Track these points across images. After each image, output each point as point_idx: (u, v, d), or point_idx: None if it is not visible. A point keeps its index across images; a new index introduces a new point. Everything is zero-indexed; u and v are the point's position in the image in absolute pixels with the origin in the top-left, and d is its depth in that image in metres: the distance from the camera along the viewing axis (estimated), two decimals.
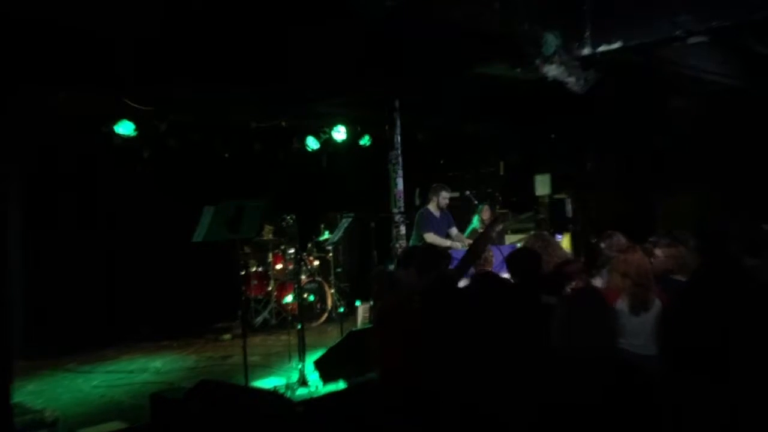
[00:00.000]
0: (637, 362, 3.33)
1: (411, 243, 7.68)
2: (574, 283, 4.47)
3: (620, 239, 4.95)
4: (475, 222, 8.16)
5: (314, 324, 8.34)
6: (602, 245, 4.98)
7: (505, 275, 4.46)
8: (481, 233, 7.00)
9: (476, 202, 8.36)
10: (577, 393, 2.48)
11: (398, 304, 3.95)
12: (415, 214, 7.73)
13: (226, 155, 8.64)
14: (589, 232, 8.70)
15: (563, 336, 2.66)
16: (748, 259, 3.97)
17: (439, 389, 3.29)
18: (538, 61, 5.82)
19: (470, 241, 7.63)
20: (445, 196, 7.57)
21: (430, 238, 7.44)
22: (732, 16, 5.16)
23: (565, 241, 7.71)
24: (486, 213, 8.13)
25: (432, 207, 7.59)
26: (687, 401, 2.51)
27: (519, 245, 6.83)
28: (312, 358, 5.72)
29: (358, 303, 7.85)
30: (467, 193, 8.44)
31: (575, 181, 10.24)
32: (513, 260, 4.40)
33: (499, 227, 7.81)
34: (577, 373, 2.52)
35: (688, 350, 2.75)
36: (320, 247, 9.12)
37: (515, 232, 8.89)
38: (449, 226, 7.68)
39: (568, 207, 10.20)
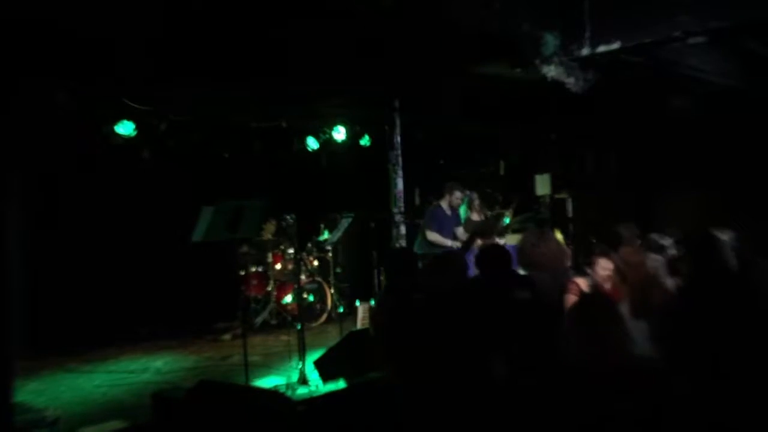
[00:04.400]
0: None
1: (418, 238, 7.72)
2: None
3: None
4: (463, 212, 8.16)
5: (314, 324, 8.35)
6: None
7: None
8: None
9: (476, 202, 8.36)
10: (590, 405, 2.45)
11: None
12: (413, 214, 7.75)
13: (226, 155, 8.64)
14: (589, 232, 8.72)
15: (573, 346, 2.62)
16: (760, 260, 3.98)
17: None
18: (537, 62, 5.84)
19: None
20: (458, 196, 7.62)
21: (432, 236, 7.46)
22: (732, 16, 5.17)
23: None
24: (475, 201, 8.14)
25: (444, 204, 7.62)
26: (684, 405, 2.51)
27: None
28: (312, 357, 5.73)
29: (357, 303, 7.86)
30: (467, 192, 8.45)
31: (575, 181, 10.26)
32: (481, 259, 4.40)
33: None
34: (589, 385, 2.49)
35: (683, 356, 2.75)
36: (320, 247, 9.12)
37: (515, 231, 8.89)
38: (457, 225, 7.71)
39: (569, 207, 10.22)
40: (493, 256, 4.36)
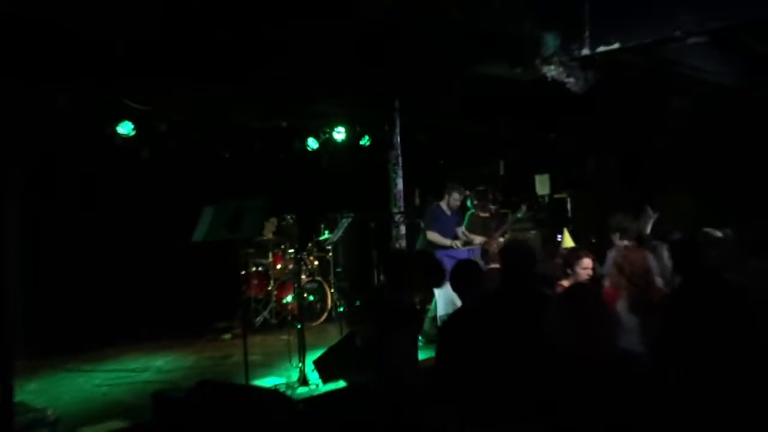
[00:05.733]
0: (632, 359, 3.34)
1: (419, 238, 7.71)
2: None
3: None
4: (468, 203, 8.14)
5: (314, 324, 8.35)
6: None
7: None
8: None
9: (476, 202, 8.36)
10: (576, 391, 2.48)
11: None
12: (414, 214, 7.74)
13: (226, 155, 8.65)
14: (589, 232, 8.73)
15: (559, 333, 2.63)
16: (750, 260, 3.98)
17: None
18: (537, 62, 5.84)
19: (474, 237, 7.64)
20: (456, 198, 7.60)
21: (432, 236, 7.46)
22: (732, 16, 5.17)
23: (566, 240, 7.71)
24: (476, 201, 8.14)
25: (444, 205, 7.61)
26: (673, 400, 2.53)
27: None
28: (312, 357, 5.73)
29: (357, 303, 7.85)
30: (467, 192, 8.46)
31: (575, 181, 10.26)
32: (506, 257, 4.31)
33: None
34: (576, 371, 2.52)
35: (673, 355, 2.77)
36: (320, 247, 9.13)
37: (514, 231, 8.89)
38: (458, 225, 7.71)
39: (568, 207, 10.23)
40: (521, 253, 4.17)
